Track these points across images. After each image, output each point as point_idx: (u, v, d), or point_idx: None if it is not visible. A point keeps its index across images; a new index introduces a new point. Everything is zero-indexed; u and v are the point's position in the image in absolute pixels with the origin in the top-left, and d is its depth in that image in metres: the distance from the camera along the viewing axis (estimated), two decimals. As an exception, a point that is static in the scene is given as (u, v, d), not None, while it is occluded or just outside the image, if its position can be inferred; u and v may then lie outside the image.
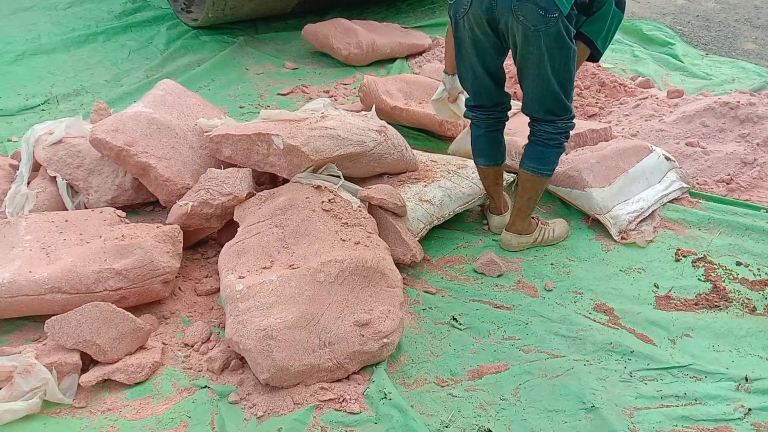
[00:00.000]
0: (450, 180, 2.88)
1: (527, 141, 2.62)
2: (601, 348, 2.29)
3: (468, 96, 2.71)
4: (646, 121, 3.63)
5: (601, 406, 2.05)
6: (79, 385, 2.09)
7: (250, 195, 2.66)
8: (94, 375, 2.09)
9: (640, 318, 2.44)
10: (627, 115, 3.74)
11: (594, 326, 2.39)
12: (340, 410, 2.02)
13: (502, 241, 2.79)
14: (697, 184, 3.16)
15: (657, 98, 3.87)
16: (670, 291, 2.58)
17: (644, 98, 3.85)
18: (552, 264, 2.71)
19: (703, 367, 2.22)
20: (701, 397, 2.10)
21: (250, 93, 4.24)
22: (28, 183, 2.89)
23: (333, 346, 2.12)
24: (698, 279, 2.64)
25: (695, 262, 2.73)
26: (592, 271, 2.67)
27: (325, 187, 2.64)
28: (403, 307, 2.31)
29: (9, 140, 3.62)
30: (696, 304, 2.52)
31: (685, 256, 2.75)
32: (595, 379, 2.17)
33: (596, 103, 3.89)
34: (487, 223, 2.94)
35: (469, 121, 2.76)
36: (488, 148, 2.72)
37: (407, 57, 4.77)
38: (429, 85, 3.77)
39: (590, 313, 2.46)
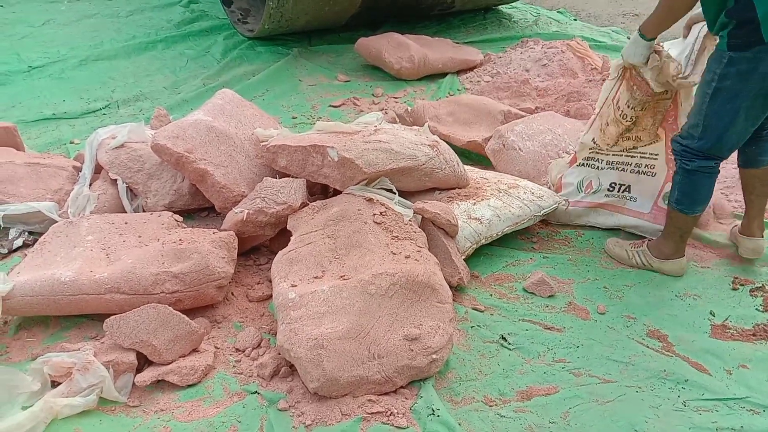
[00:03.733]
0: (500, 199, 2.87)
1: None
2: (654, 375, 2.24)
3: (706, 139, 2.42)
4: None
5: (654, 435, 2.01)
6: (134, 384, 2.14)
7: (303, 205, 2.70)
8: (148, 375, 2.14)
9: (695, 346, 2.38)
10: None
11: (647, 352, 2.34)
12: (388, 424, 2.02)
13: (753, 250, 2.73)
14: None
15: None
16: (726, 320, 2.51)
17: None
18: (605, 287, 2.66)
19: (761, 401, 2.15)
20: (758, 431, 2.04)
21: (302, 104, 4.31)
22: (90, 185, 2.99)
23: (382, 359, 2.13)
24: (756, 309, 2.56)
25: (753, 292, 2.65)
26: (646, 295, 2.62)
27: (377, 200, 2.66)
28: (453, 323, 2.30)
29: (72, 142, 3.76)
30: (753, 335, 2.44)
31: (742, 285, 2.68)
32: (648, 406, 2.12)
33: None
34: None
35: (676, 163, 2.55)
36: (712, 190, 2.59)
37: (458, 72, 4.79)
38: (479, 107, 3.77)
39: (643, 339, 2.41)
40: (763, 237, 2.73)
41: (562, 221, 3.04)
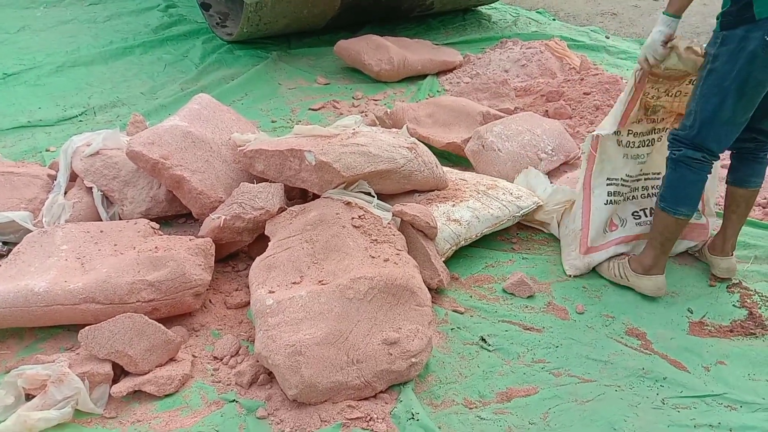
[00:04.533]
0: (479, 201, 2.87)
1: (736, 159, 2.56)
2: (633, 374, 2.25)
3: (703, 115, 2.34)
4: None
5: (633, 433, 2.02)
6: (110, 395, 2.12)
7: (281, 210, 2.69)
8: (125, 386, 2.11)
9: (673, 344, 2.39)
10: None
11: (626, 351, 2.35)
12: (367, 429, 2.01)
13: (728, 269, 2.66)
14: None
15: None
16: (704, 317, 2.53)
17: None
18: (583, 287, 2.67)
19: (739, 397, 2.16)
20: (736, 428, 2.05)
21: (282, 107, 4.29)
22: (65, 193, 2.95)
23: (361, 364, 2.12)
24: (733, 305, 2.58)
25: (730, 288, 2.67)
26: (624, 294, 2.63)
27: (356, 203, 2.65)
28: (432, 326, 2.30)
29: (47, 150, 3.71)
30: (731, 331, 2.46)
31: (720, 281, 2.70)
32: (627, 405, 2.13)
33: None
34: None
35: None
36: (699, 195, 2.51)
37: (438, 74, 4.79)
38: (459, 108, 3.77)
39: (622, 338, 2.42)
40: (734, 255, 2.68)
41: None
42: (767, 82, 2.24)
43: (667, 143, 2.49)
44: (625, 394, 2.18)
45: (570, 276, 2.71)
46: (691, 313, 2.55)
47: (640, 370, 2.27)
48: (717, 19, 2.28)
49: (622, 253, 2.76)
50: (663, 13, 2.38)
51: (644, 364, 2.29)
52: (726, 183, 2.63)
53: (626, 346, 2.38)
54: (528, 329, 2.45)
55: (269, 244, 2.56)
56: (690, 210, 2.47)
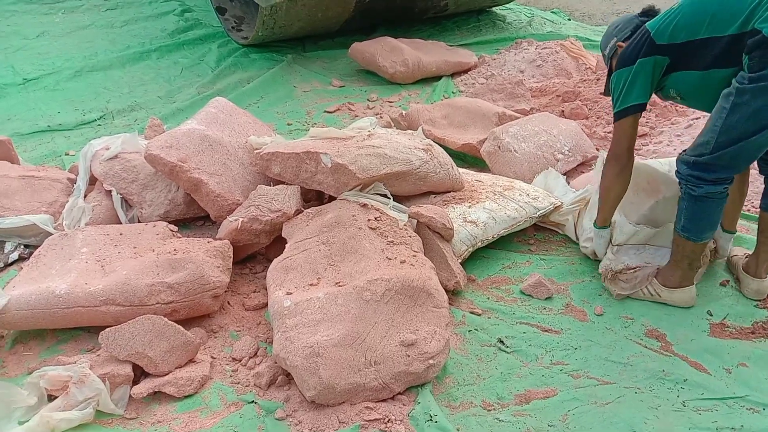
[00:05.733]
0: (495, 202, 2.86)
1: None
2: (653, 375, 2.23)
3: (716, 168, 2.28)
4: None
5: (653, 436, 2.00)
6: (130, 396, 2.14)
7: (298, 212, 2.70)
8: (145, 387, 2.13)
9: (694, 345, 2.37)
10: (678, 135, 3.67)
11: (645, 353, 2.33)
12: (386, 431, 2.01)
13: (757, 291, 2.58)
14: (753, 207, 3.07)
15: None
16: (724, 318, 2.50)
17: (696, 118, 3.76)
18: (602, 289, 2.65)
19: (761, 399, 2.13)
20: (759, 430, 2.02)
21: (297, 110, 4.31)
22: (85, 196, 2.99)
23: (379, 365, 2.12)
24: (754, 306, 2.55)
25: (751, 289, 2.63)
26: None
27: (372, 205, 2.65)
28: (449, 328, 2.30)
29: (67, 154, 3.76)
30: (752, 333, 2.43)
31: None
32: (647, 407, 2.11)
33: (647, 123, 3.82)
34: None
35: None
36: (721, 215, 2.43)
37: (453, 75, 4.79)
38: (474, 109, 3.77)
39: (641, 339, 2.40)
40: (766, 278, 2.59)
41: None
42: None
43: (678, 177, 2.38)
44: (645, 396, 2.16)
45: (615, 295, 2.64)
46: (711, 315, 2.52)
47: (660, 372, 2.25)
48: (745, 59, 2.14)
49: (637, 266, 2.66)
50: (594, 226, 2.65)
51: (664, 366, 2.27)
52: (760, 208, 2.59)
53: (646, 347, 2.36)
54: (546, 331, 2.44)
55: (286, 246, 2.57)
56: (713, 230, 2.44)
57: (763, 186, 2.56)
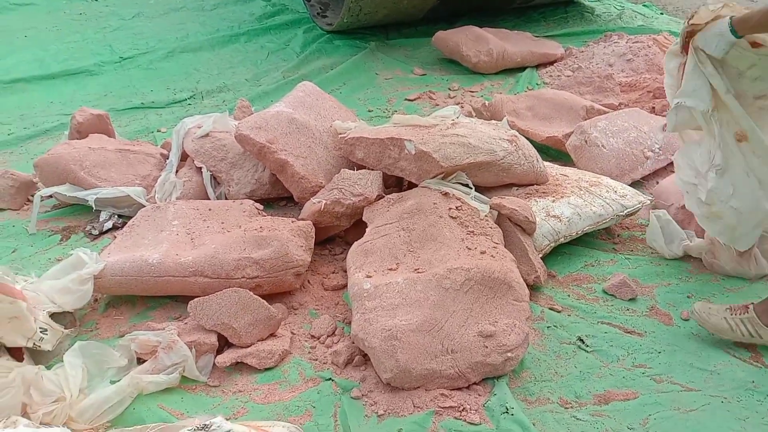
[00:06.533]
0: (581, 197, 2.79)
1: None
2: (741, 386, 2.14)
3: None
4: None
5: (740, 448, 1.92)
6: (214, 364, 2.22)
7: (379, 197, 2.72)
8: (228, 357, 2.21)
9: (787, 358, 2.25)
10: None
11: (734, 362, 2.23)
12: (460, 419, 2.01)
13: None
14: None
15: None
16: (823, 332, 2.35)
17: None
18: (689, 294, 2.54)
19: None
20: None
21: (379, 97, 4.34)
22: (176, 172, 3.11)
23: (455, 354, 2.12)
24: None
25: None
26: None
27: (453, 194, 2.64)
28: (529, 322, 2.27)
29: (159, 130, 3.92)
30: None
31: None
32: (734, 418, 2.02)
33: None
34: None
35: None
36: None
37: (537, 66, 4.69)
38: (560, 102, 3.68)
39: (730, 348, 2.29)
40: None
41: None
42: None
43: None
44: (731, 406, 2.07)
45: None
46: (809, 327, 2.38)
47: (750, 382, 2.14)
48: None
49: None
50: (731, 29, 2.22)
51: (754, 376, 2.17)
52: None
53: (734, 356, 2.26)
54: (629, 332, 2.37)
55: (366, 230, 2.60)
56: None
57: None
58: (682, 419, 2.02)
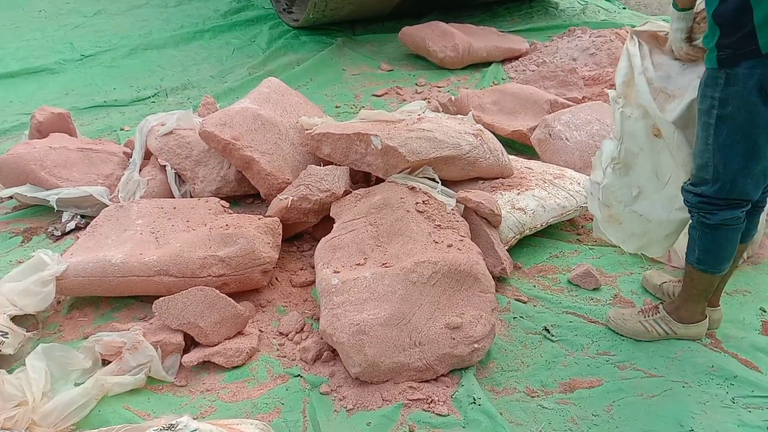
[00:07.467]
0: (545, 190, 2.83)
1: None
2: (702, 371, 2.19)
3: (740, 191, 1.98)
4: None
5: (701, 431, 1.96)
6: (180, 364, 2.20)
7: (346, 192, 2.72)
8: (195, 356, 2.19)
9: (745, 343, 2.31)
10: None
11: (694, 348, 2.29)
12: (428, 411, 2.02)
13: (717, 320, 2.36)
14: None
15: None
16: (779, 317, 2.43)
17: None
18: (651, 280, 2.61)
19: (815, 400, 2.08)
20: (812, 432, 1.97)
21: (345, 93, 4.33)
22: (140, 170, 3.07)
23: (423, 346, 2.13)
24: (811, 306, 2.48)
25: (807, 289, 2.56)
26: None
27: (420, 188, 2.65)
28: (495, 313, 2.29)
29: (122, 129, 3.86)
30: (808, 333, 2.36)
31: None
32: (695, 402, 2.08)
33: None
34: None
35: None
36: (736, 247, 2.14)
37: (503, 61, 4.73)
38: (525, 96, 3.72)
39: (691, 334, 2.35)
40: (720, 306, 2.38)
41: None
42: None
43: (687, 205, 2.08)
44: (692, 391, 2.12)
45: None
46: (764, 312, 2.45)
47: (710, 367, 2.20)
48: (708, 50, 1.89)
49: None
50: (673, 7, 2.03)
51: (714, 361, 2.23)
52: None
53: (695, 342, 2.32)
54: (593, 322, 2.41)
55: (334, 225, 2.60)
56: (731, 261, 2.15)
57: None
58: (645, 404, 2.07)
